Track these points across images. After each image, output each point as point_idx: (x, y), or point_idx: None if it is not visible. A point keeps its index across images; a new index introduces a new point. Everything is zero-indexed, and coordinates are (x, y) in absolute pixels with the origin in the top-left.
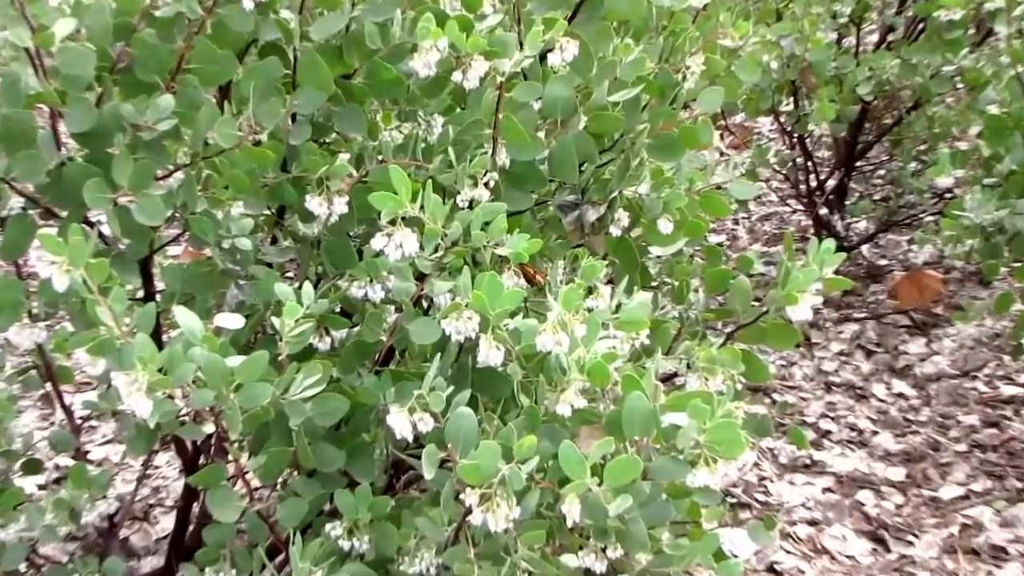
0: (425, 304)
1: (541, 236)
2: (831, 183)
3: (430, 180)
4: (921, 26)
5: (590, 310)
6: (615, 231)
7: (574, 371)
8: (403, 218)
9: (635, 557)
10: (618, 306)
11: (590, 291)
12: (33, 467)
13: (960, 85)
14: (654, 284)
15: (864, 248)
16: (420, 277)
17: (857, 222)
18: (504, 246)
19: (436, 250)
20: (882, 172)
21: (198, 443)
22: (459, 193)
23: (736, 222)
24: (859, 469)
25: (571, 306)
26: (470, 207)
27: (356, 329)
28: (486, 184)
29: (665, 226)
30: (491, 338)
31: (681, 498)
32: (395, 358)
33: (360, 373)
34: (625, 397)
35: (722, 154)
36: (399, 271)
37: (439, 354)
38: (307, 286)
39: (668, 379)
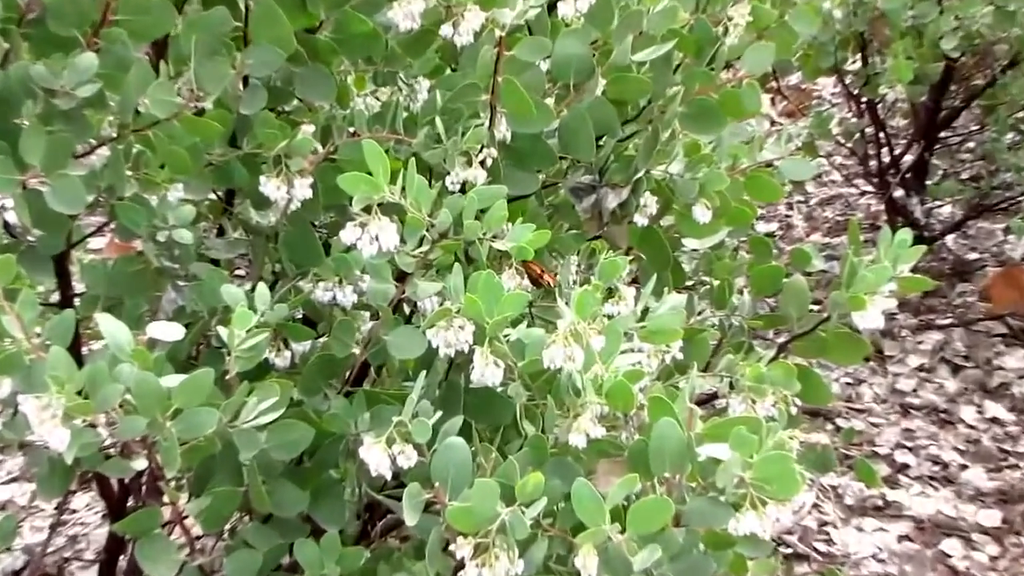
0: (407, 310)
1: (550, 226)
2: (908, 159)
3: (413, 158)
4: None
5: (610, 317)
6: (641, 220)
7: (590, 392)
8: (380, 205)
9: None
10: (644, 312)
11: (610, 294)
12: None
13: None
14: (689, 284)
15: (949, 239)
16: (401, 277)
17: (940, 207)
18: (504, 239)
19: (420, 244)
20: (971, 145)
21: (126, 482)
22: (449, 174)
23: (790, 207)
24: (943, 512)
25: (586, 312)
26: (462, 191)
27: (322, 341)
28: (482, 163)
29: (702, 213)
30: (488, 352)
31: (723, 549)
32: (370, 376)
33: (327, 395)
34: (653, 424)
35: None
36: (375, 269)
37: (424, 371)
38: (261, 288)
39: (706, 402)
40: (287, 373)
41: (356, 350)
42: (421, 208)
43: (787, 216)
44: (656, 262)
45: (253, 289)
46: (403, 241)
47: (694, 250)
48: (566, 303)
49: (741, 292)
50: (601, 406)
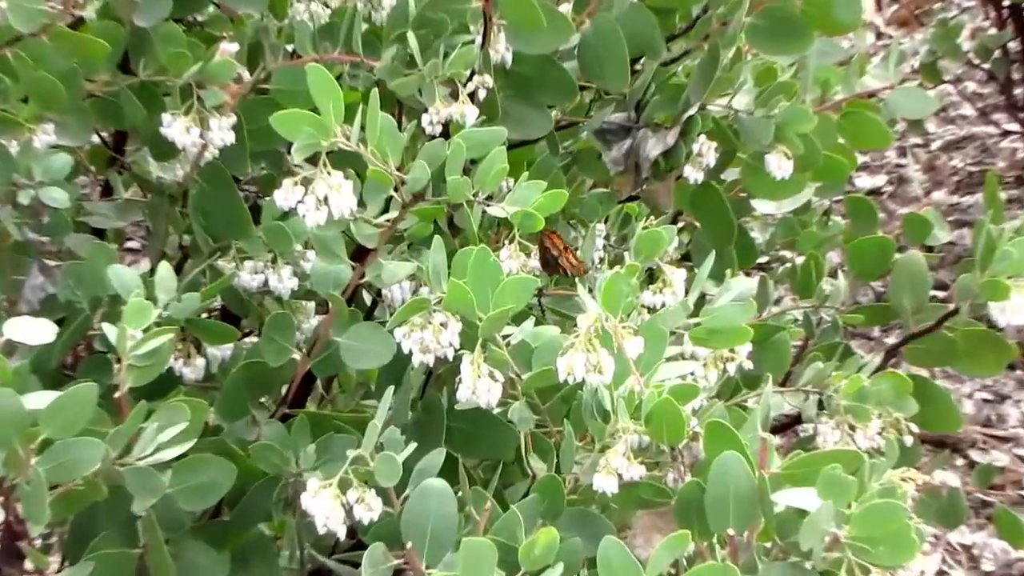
0: (368, 300)
1: (567, 184)
2: None
3: (376, 89)
4: None
5: (651, 310)
6: (693, 174)
7: (623, 416)
8: (330, 154)
9: None
10: (699, 303)
11: (651, 278)
12: None
13: None
14: (761, 264)
15: None
16: (359, 254)
17: None
18: (504, 202)
19: (386, 208)
20: None
21: None
22: (426, 111)
23: (903, 154)
24: None
25: (618, 304)
26: (445, 135)
27: (249, 343)
28: (473, 96)
29: (779, 165)
30: (481, 360)
31: None
32: (316, 393)
33: (256, 419)
34: (711, 461)
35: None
36: (323, 244)
37: (391, 387)
38: (164, 269)
39: (786, 428)
40: (200, 388)
41: (297, 356)
42: (387, 159)
43: (899, 167)
44: (715, 233)
45: (152, 271)
46: (362, 205)
47: (768, 216)
48: (589, 291)
49: (835, 274)
50: (639, 435)
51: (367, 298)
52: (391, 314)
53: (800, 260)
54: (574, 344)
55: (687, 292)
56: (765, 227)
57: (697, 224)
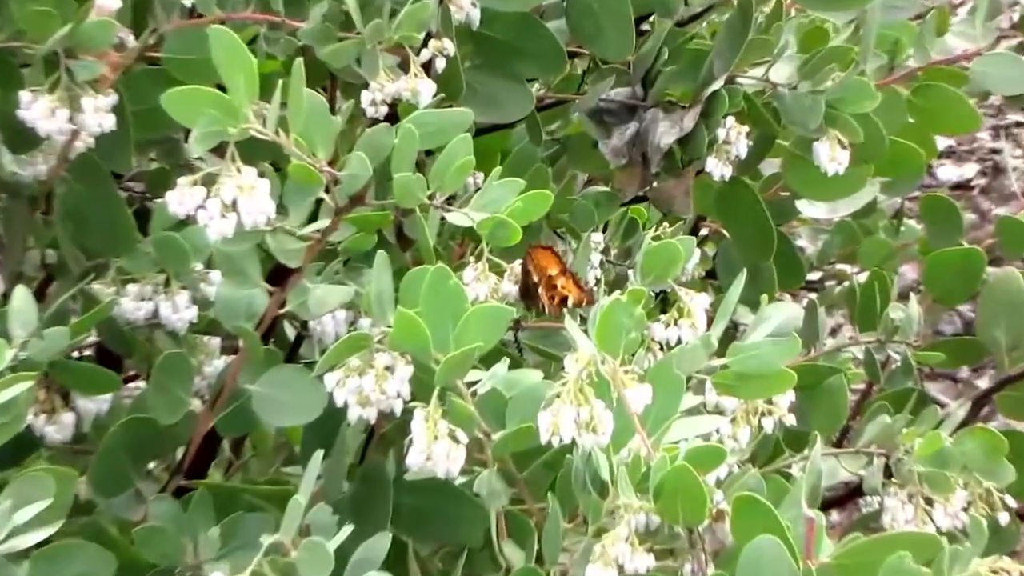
0: (291, 335)
1: (552, 181)
2: None
3: (301, 59)
4: None
5: (665, 348)
6: (719, 168)
7: (626, 489)
8: (240, 144)
9: None
10: (727, 337)
11: (663, 304)
12: None
13: None
14: (811, 283)
15: None
16: (280, 275)
17: None
18: (468, 206)
19: (314, 216)
20: None
21: None
22: (367, 88)
23: (997, 135)
24: None
25: (617, 340)
26: (392, 119)
27: (133, 392)
28: (428, 67)
29: (833, 155)
30: (437, 415)
31: None
32: (222, 457)
33: (141, 492)
34: (741, 548)
35: None
36: (231, 263)
37: (321, 450)
38: (21, 295)
39: (842, 503)
40: (69, 452)
41: (196, 409)
42: (315, 150)
43: (993, 153)
44: (748, 244)
45: (6, 298)
46: (283, 211)
47: (819, 221)
48: (582, 322)
49: (907, 296)
50: (646, 514)
51: (290, 333)
52: (321, 354)
53: (862, 278)
54: (561, 394)
55: (710, 324)
56: (815, 236)
57: (725, 233)
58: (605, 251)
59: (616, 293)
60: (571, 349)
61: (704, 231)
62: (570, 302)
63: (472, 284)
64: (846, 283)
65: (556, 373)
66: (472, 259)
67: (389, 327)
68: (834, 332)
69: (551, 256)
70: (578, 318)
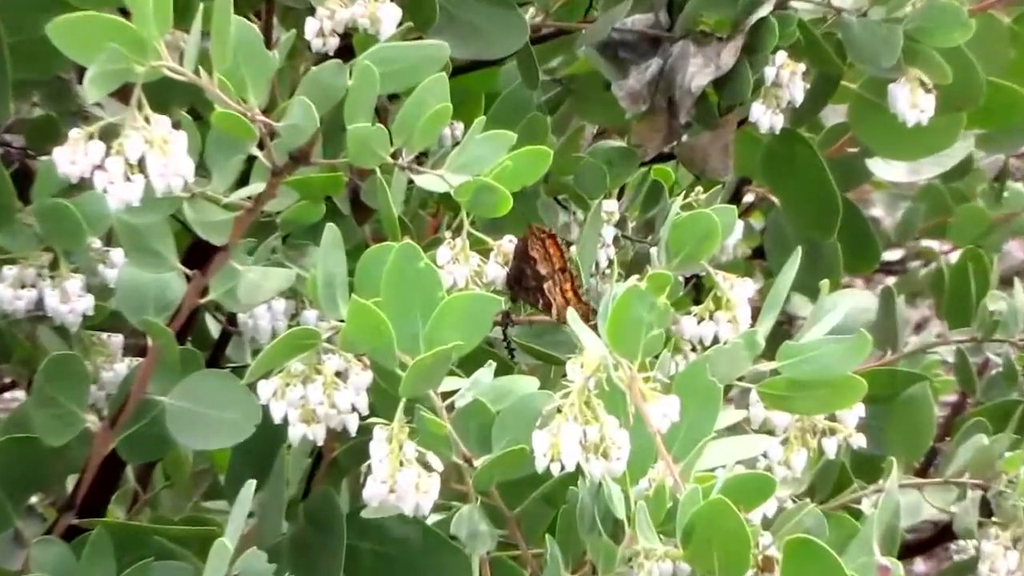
0: (214, 333)
1: (552, 134)
2: None
3: None
4: None
5: (698, 348)
6: (768, 118)
7: (647, 531)
8: (148, 86)
9: None
10: (779, 335)
11: (697, 292)
12: None
13: None
14: (888, 264)
15: None
16: (200, 255)
17: None
18: (444, 166)
19: (245, 179)
20: None
21: None
22: (312, 13)
23: None
24: None
25: (635, 339)
26: (344, 54)
27: (12, 405)
28: None
29: (914, 100)
30: (402, 435)
31: None
32: (126, 487)
33: (21, 534)
34: None
35: None
36: (136, 238)
37: (253, 480)
38: None
39: (927, 547)
40: None
41: (93, 427)
42: (246, 94)
43: None
44: (805, 215)
45: None
46: (204, 172)
47: (899, 186)
48: (587, 315)
49: (1011, 282)
50: (673, 562)
51: (213, 329)
52: (253, 356)
53: (953, 258)
54: (562, 408)
55: (756, 318)
56: (894, 204)
57: (775, 201)
58: (621, 224)
59: (634, 278)
60: (575, 350)
61: (749, 198)
62: (553, 312)
63: (448, 266)
64: (933, 265)
65: (556, 381)
66: (448, 234)
67: (341, 321)
68: (918, 328)
69: (551, 242)
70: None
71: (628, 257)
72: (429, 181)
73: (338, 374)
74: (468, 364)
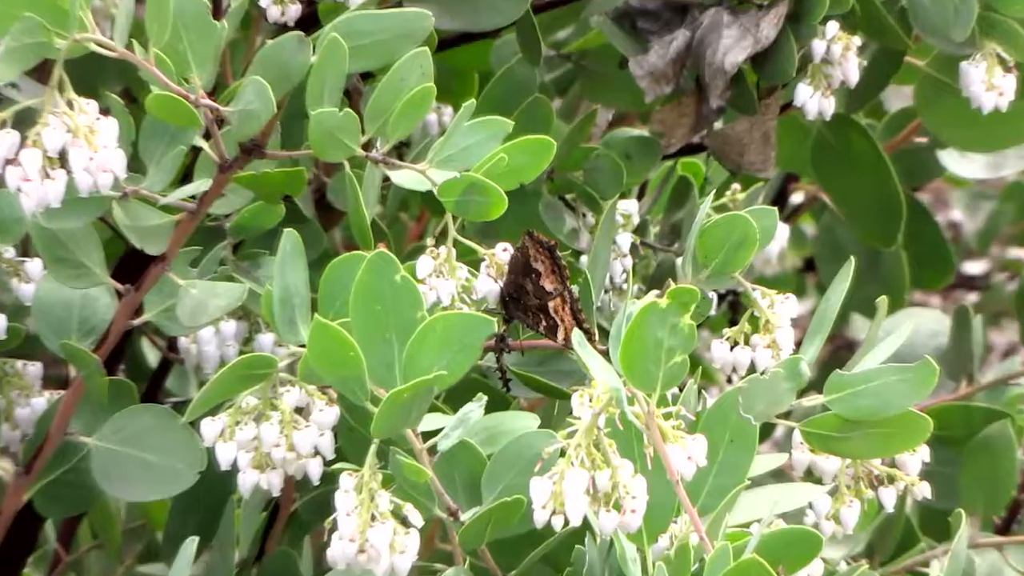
0: (152, 360)
1: (558, 121)
2: None
3: None
4: None
5: (730, 378)
6: (817, 101)
7: None
8: (72, 63)
9: None
10: (833, 361)
11: (735, 313)
12: None
13: None
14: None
15: None
16: (132, 267)
17: None
18: (428, 159)
19: (187, 175)
20: None
21: None
22: None
23: None
24: None
25: (653, 368)
26: (306, 24)
27: None
28: None
29: (988, 82)
30: (374, 484)
31: None
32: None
33: None
34: None
35: None
36: (56, 247)
37: (195, 538)
38: None
39: None
40: None
41: (4, 474)
42: (189, 72)
43: None
44: (864, 218)
45: None
46: (138, 166)
47: (979, 184)
48: (589, 337)
49: None
50: None
51: (150, 356)
52: (198, 389)
53: None
54: (567, 450)
55: (799, 344)
56: (974, 205)
57: (827, 201)
58: (640, 229)
59: (653, 294)
60: (583, 381)
61: (797, 198)
62: (559, 336)
63: (431, 280)
64: (1018, 280)
65: (560, 418)
66: (432, 242)
67: (302, 346)
68: (1004, 355)
69: (542, 253)
70: (593, 333)
71: (649, 269)
72: (409, 178)
73: (298, 410)
74: (454, 398)
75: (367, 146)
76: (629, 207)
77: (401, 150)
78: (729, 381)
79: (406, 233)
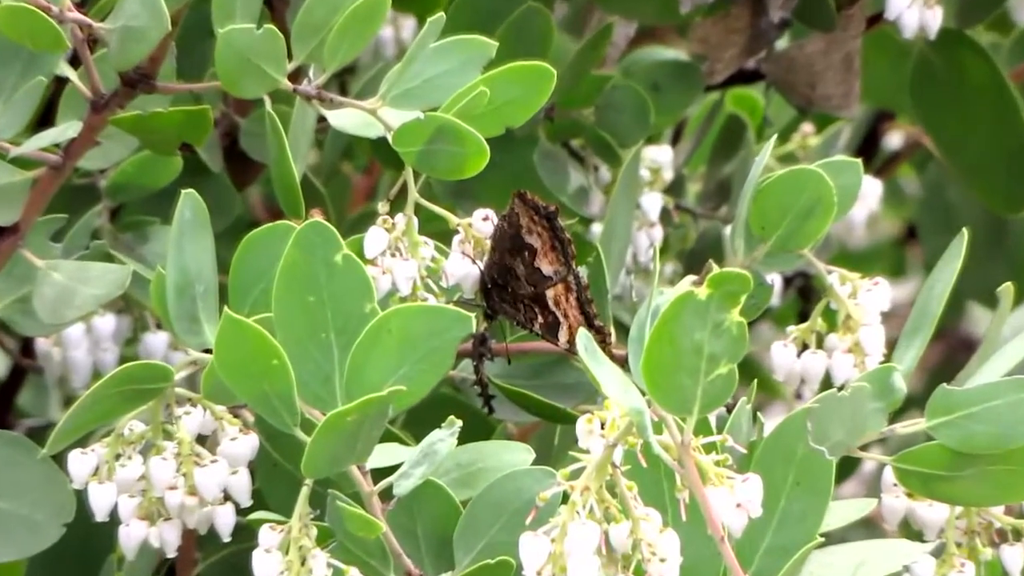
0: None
1: (561, 42)
2: None
3: None
4: None
5: (796, 392)
6: (915, 13)
7: None
8: None
9: None
10: (943, 369)
11: (806, 302)
12: None
13: None
14: None
15: None
16: None
17: None
18: (380, 95)
19: (49, 118)
20: None
21: None
22: None
23: None
24: None
25: (686, 382)
26: None
27: None
28: None
29: None
30: (307, 540)
31: None
32: None
33: None
34: None
35: None
36: None
37: None
38: None
39: None
40: None
41: None
42: None
43: None
44: (980, 175)
45: None
46: None
47: None
48: (602, 339)
49: None
50: None
51: None
52: (65, 409)
53: None
54: (569, 495)
55: (893, 346)
56: None
57: (932, 149)
58: (674, 188)
59: (689, 280)
60: (593, 399)
61: (891, 144)
62: (562, 337)
63: (384, 260)
64: None
65: (560, 451)
66: (384, 207)
67: (207, 351)
68: None
69: (543, 231)
70: (605, 334)
71: (686, 244)
72: (353, 119)
73: (200, 440)
74: (417, 422)
75: (296, 76)
76: (659, 157)
77: (344, 80)
78: (798, 398)
79: (350, 193)
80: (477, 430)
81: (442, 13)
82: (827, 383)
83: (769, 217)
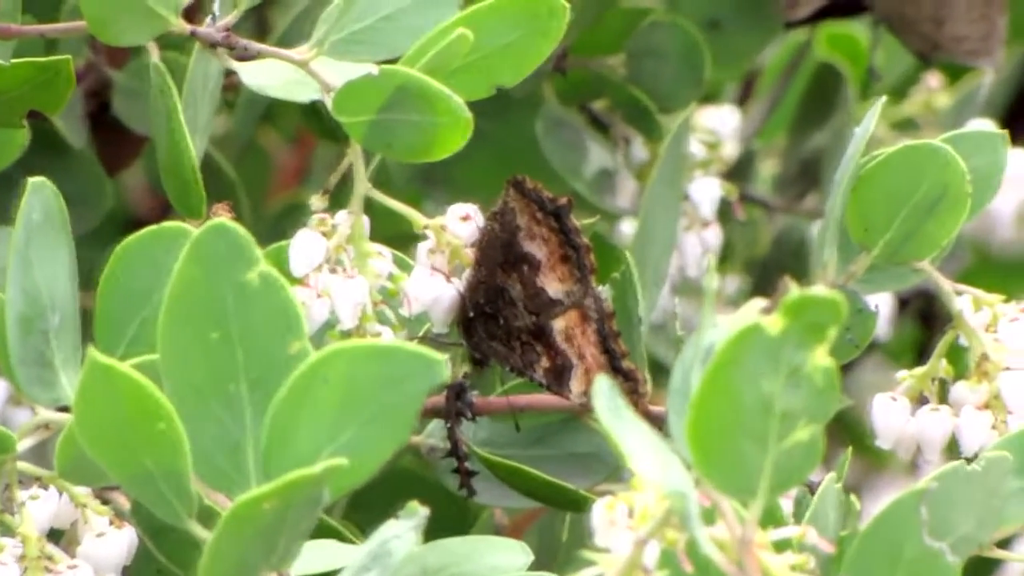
0: None
1: None
2: None
3: None
4: None
5: (921, 465)
6: None
7: None
8: None
9: None
10: None
11: (927, 335)
12: None
13: None
14: None
15: None
16: None
17: None
18: (314, 40)
19: None
20: None
21: None
22: None
23: None
24: None
25: (749, 453)
26: None
27: None
28: None
29: None
30: None
31: None
32: None
33: None
34: None
35: None
36: None
37: None
38: None
39: None
40: None
41: None
42: None
43: None
44: None
45: None
46: None
47: None
48: (632, 387)
49: None
50: None
51: None
52: None
53: None
54: None
55: None
56: None
57: None
58: (739, 169)
59: (754, 304)
60: (616, 476)
61: None
62: (574, 386)
63: (321, 278)
64: None
65: (569, 549)
66: (319, 202)
67: (63, 410)
68: None
69: (549, 234)
70: (640, 371)
71: (756, 250)
72: (275, 75)
73: (54, 536)
74: (366, 508)
75: (193, 11)
76: (718, 126)
77: (264, 17)
78: (919, 469)
79: (270, 177)
80: (451, 520)
81: None
82: (952, 452)
83: (875, 214)
